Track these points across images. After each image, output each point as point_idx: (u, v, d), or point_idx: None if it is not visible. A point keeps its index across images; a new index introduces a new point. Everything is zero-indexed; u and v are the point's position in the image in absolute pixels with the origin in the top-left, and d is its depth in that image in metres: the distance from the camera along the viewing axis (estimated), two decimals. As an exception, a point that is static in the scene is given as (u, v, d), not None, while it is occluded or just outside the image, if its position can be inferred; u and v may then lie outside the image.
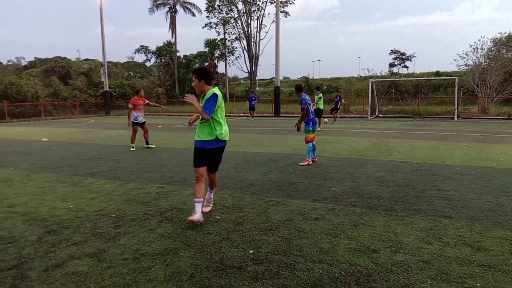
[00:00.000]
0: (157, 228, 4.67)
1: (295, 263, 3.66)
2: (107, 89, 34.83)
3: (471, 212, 5.14)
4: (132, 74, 54.09)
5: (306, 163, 8.75)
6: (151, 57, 61.34)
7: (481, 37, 42.15)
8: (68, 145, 13.30)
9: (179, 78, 50.91)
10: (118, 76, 44.86)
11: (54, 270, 3.60)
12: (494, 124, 20.03)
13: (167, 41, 57.28)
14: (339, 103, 22.03)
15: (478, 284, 3.21)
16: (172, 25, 50.98)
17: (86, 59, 47.60)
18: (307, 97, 8.79)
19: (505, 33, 32.37)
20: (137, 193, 6.38)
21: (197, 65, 57.30)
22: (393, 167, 8.37)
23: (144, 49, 60.98)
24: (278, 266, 3.58)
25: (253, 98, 26.02)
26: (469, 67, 29.67)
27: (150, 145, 11.97)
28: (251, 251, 3.93)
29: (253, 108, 25.86)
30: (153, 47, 60.19)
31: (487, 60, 28.36)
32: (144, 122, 12.04)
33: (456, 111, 24.13)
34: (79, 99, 35.41)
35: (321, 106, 17.29)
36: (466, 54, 28.99)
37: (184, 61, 55.50)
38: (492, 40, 29.14)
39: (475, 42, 29.74)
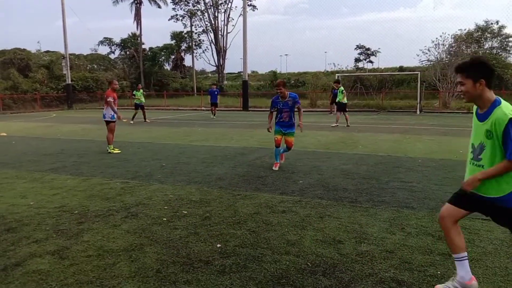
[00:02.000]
0: (122, 224, 4.57)
1: (262, 255, 3.67)
2: (69, 82, 33.69)
3: (433, 202, 5.31)
4: (95, 66, 52.55)
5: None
6: (115, 50, 59.64)
7: (443, 33, 43.51)
8: (29, 140, 12.80)
9: (145, 71, 49.79)
10: (80, 68, 43.40)
11: (13, 269, 3.46)
12: (454, 118, 20.76)
13: (132, 33, 55.85)
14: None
15: (439, 272, 3.33)
16: (137, 17, 49.74)
17: (47, 51, 45.85)
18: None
19: (465, 30, 33.67)
20: (101, 189, 6.22)
21: (163, 58, 56.34)
22: (358, 160, 8.54)
23: (108, 41, 59.21)
24: (245, 259, 3.59)
25: (216, 93, 22.79)
26: (431, 63, 30.64)
27: (109, 149, 9.89)
28: (218, 245, 3.91)
29: (216, 103, 22.47)
30: (117, 39, 58.57)
31: (448, 56, 29.36)
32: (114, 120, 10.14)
33: (418, 105, 24.83)
34: (40, 92, 34.07)
35: (345, 100, 16.57)
36: (428, 50, 29.94)
37: (149, 53, 54.34)
38: (452, 37, 30.23)
39: (436, 38, 30.76)
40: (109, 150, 9.83)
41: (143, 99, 20.04)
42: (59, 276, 3.32)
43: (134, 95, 20.32)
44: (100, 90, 37.31)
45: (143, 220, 4.71)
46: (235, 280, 3.22)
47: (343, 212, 4.94)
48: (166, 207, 5.20)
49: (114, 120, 10.00)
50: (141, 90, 20.31)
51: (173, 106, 32.60)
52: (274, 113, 7.74)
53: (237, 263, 3.52)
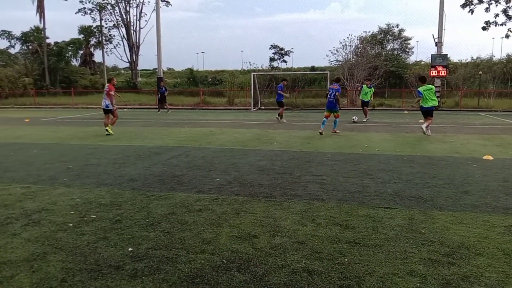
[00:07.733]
0: (22, 233, 4.19)
1: (177, 256, 3.60)
2: (-40, 78, 30.21)
3: (340, 194, 5.62)
4: (-8, 62, 47.68)
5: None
6: (15, 44, 54.85)
7: (349, 35, 46.44)
8: None
9: (50, 67, 46.27)
10: (-26, 63, 39.19)
11: None
12: (360, 115, 22.15)
13: (34, 26, 51.68)
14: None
15: (346, 260, 3.52)
16: (40, 9, 45.93)
17: None
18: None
19: (369, 32, 36.14)
20: (-2, 195, 5.65)
21: (70, 53, 53.04)
22: (273, 156, 8.76)
23: (6, 34, 54.22)
24: (159, 261, 3.49)
25: (281, 89, 19.75)
26: (340, 63, 32.43)
27: (110, 132, 12.75)
28: (130, 249, 3.75)
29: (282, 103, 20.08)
30: (17, 33, 53.92)
31: (355, 56, 31.26)
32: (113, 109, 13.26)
33: (329, 103, 26.09)
34: None
35: (369, 98, 19.04)
36: (337, 51, 31.62)
37: (55, 48, 50.64)
38: (358, 38, 32.29)
39: (344, 40, 32.60)
40: (107, 132, 12.75)
41: None
42: None
43: None
44: (-2, 88, 34.01)
45: (47, 227, 4.37)
46: (148, 283, 3.11)
47: (259, 207, 5.02)
48: (72, 212, 4.87)
49: (108, 108, 13.06)
50: None
51: (82, 104, 30.73)
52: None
53: (150, 266, 3.41)
